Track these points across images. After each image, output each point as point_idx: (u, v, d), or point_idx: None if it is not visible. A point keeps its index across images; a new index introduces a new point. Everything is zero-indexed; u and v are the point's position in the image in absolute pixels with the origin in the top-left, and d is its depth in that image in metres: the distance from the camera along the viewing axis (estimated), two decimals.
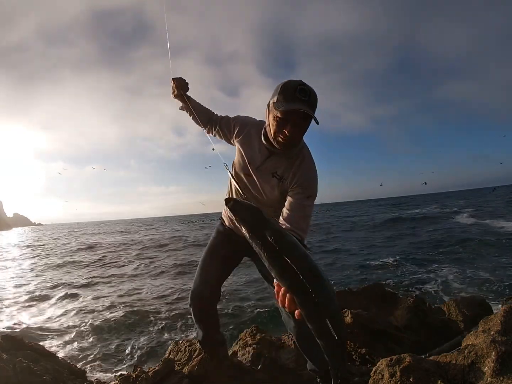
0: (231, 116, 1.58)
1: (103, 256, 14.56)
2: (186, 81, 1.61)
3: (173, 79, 1.59)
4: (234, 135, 1.50)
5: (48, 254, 16.74)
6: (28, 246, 23.47)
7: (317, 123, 1.17)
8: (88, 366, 3.87)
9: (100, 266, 11.94)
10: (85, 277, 9.75)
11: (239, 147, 1.46)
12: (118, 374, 2.31)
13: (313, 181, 1.34)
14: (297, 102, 1.11)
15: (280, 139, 1.22)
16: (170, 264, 11.22)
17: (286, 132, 1.18)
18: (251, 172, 1.40)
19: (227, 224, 1.66)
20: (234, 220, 0.84)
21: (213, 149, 1.61)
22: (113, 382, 1.84)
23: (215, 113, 1.64)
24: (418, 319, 2.38)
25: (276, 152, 1.31)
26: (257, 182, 1.40)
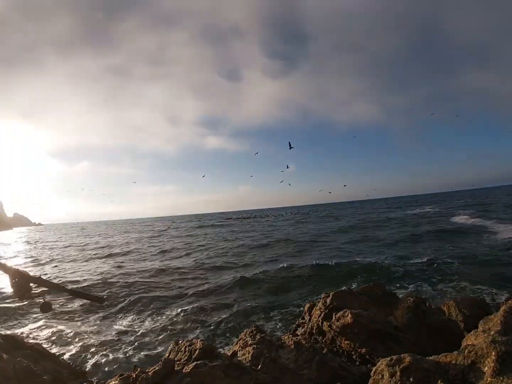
0: None
1: None
2: None
3: None
4: None
5: None
6: None
7: None
8: (88, 366, 3.87)
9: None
10: (86, 277, 9.75)
11: None
12: (118, 374, 2.31)
13: None
14: None
15: None
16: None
17: None
18: None
19: None
20: None
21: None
22: (113, 382, 1.84)
23: None
24: (418, 319, 2.38)
25: None
26: None
